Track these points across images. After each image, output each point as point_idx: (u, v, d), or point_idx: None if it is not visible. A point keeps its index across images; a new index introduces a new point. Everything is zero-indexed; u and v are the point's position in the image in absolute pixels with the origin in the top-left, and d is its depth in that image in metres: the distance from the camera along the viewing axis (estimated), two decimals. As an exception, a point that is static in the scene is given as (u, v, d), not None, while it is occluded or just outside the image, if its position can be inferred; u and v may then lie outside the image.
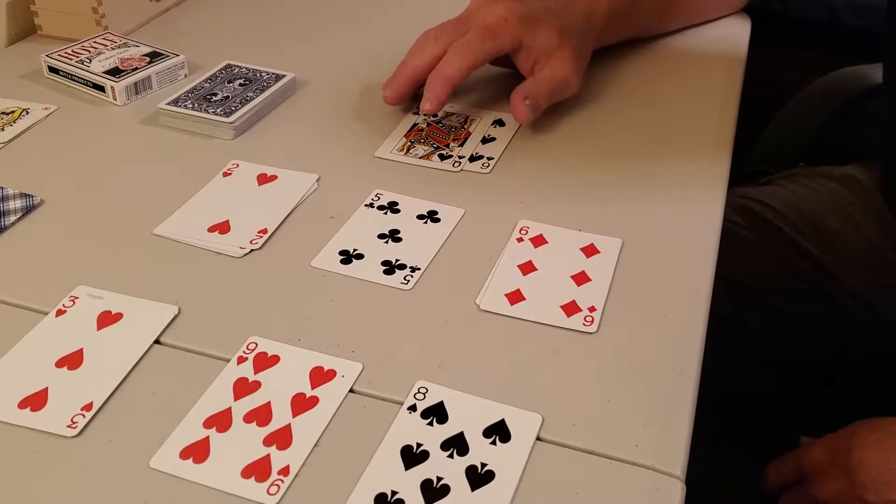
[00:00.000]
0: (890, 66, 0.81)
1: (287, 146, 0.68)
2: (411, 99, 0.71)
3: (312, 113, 0.73)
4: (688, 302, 0.53)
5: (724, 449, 0.79)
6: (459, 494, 0.41)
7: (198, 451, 0.43)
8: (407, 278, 0.54)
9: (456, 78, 0.67)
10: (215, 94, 0.71)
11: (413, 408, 0.45)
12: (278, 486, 0.41)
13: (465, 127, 0.70)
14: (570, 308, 0.52)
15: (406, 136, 0.68)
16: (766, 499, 0.76)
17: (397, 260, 0.55)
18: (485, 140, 0.68)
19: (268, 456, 0.42)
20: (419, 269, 0.55)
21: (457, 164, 0.65)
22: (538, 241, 0.57)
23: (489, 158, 0.66)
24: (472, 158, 0.66)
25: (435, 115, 0.71)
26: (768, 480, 0.76)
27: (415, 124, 0.70)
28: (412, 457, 0.42)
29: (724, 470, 0.78)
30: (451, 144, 0.67)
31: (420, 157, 0.66)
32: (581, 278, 0.54)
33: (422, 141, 0.68)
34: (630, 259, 0.56)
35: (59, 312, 0.51)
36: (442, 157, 0.66)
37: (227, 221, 0.58)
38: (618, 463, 0.43)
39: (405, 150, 0.66)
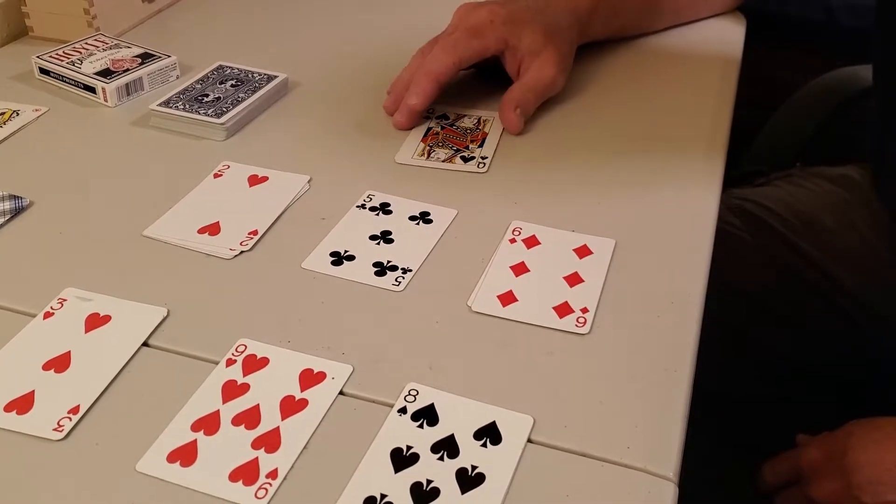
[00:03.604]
0: (879, 66, 0.81)
1: (278, 147, 0.67)
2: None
3: (304, 114, 0.72)
4: (681, 303, 0.52)
5: (719, 451, 0.79)
6: (450, 497, 0.40)
7: (185, 455, 0.42)
8: (398, 280, 0.54)
9: (440, 73, 0.68)
10: (207, 95, 0.70)
11: (403, 410, 0.45)
12: (266, 489, 0.41)
13: (481, 128, 0.70)
14: (563, 309, 0.51)
15: (423, 140, 0.68)
16: (763, 499, 0.75)
17: (389, 261, 0.55)
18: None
19: (256, 459, 0.42)
20: (411, 270, 0.54)
21: (482, 165, 0.65)
22: (531, 241, 0.57)
23: (483, 157, 0.66)
24: (468, 159, 0.66)
25: (447, 118, 0.71)
26: (764, 480, 0.75)
27: (429, 128, 0.70)
28: (402, 459, 0.42)
29: (721, 470, 0.78)
30: (471, 146, 0.67)
31: (443, 161, 0.66)
32: (574, 279, 0.54)
33: (440, 144, 0.67)
34: (623, 260, 0.56)
35: (47, 315, 0.50)
36: (465, 160, 0.66)
37: (218, 223, 0.58)
38: (610, 465, 0.42)
39: (426, 155, 0.66)
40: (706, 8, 0.88)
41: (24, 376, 0.46)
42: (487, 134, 0.69)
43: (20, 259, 0.55)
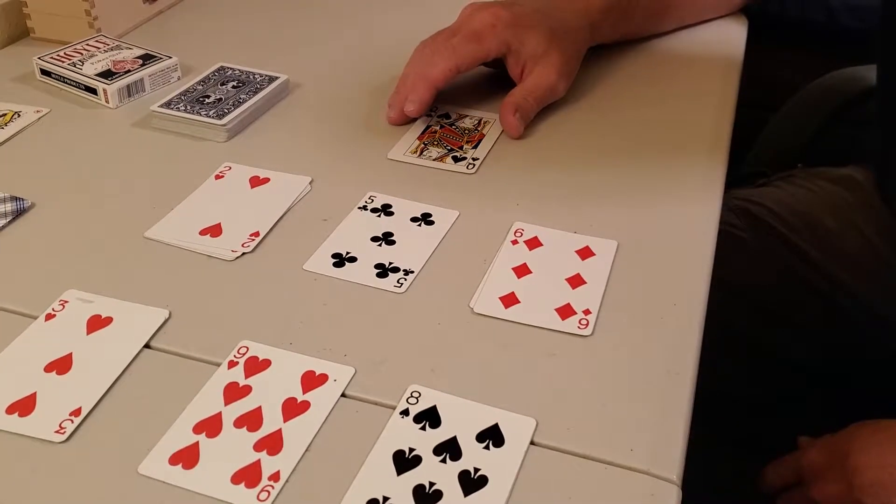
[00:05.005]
0: (883, 66, 0.81)
1: (280, 148, 0.67)
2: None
3: (306, 115, 0.72)
4: (684, 304, 0.52)
5: (722, 452, 0.79)
6: (452, 500, 0.40)
7: (187, 457, 0.42)
8: (400, 281, 0.53)
9: (438, 79, 0.68)
10: (208, 97, 0.70)
11: (406, 412, 0.44)
12: (268, 492, 0.40)
13: (479, 129, 0.70)
14: (565, 311, 0.51)
15: (419, 138, 0.68)
16: (765, 501, 0.75)
17: (391, 263, 0.55)
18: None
19: (258, 461, 0.42)
20: (413, 272, 0.54)
21: (471, 167, 0.65)
22: (533, 243, 0.57)
23: (474, 159, 0.66)
24: (459, 159, 0.66)
25: (448, 117, 0.71)
26: (766, 482, 0.75)
27: (428, 126, 0.70)
28: (404, 462, 0.42)
29: (723, 472, 0.78)
30: (465, 146, 0.67)
31: (434, 160, 0.66)
32: (576, 281, 0.54)
33: (435, 143, 0.67)
34: (626, 261, 0.56)
35: (49, 317, 0.50)
36: (455, 160, 0.66)
37: (219, 224, 0.58)
38: (613, 467, 0.42)
39: (419, 153, 0.66)
40: (710, 10, 0.88)
41: (26, 378, 0.46)
42: (485, 136, 0.69)
43: (22, 261, 0.55)
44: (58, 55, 0.75)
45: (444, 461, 0.42)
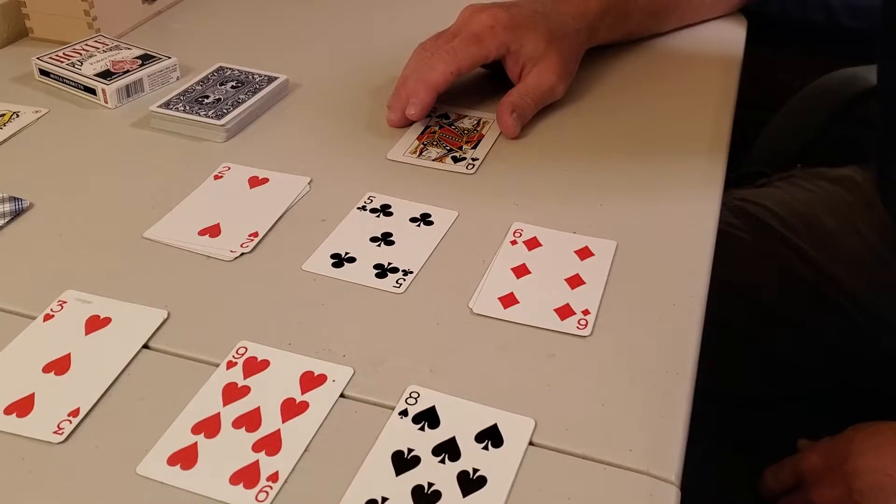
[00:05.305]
0: (883, 67, 0.81)
1: (279, 149, 0.67)
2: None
3: (305, 115, 0.72)
4: (683, 304, 0.52)
5: (721, 453, 0.79)
6: (451, 500, 0.40)
7: (186, 458, 0.42)
8: (399, 282, 0.53)
9: (439, 83, 0.68)
10: (207, 97, 0.70)
11: (404, 413, 0.44)
12: (267, 492, 0.40)
13: (478, 129, 0.70)
14: (564, 311, 0.51)
15: (419, 138, 0.68)
16: (764, 503, 0.75)
17: (390, 263, 0.55)
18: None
19: (256, 462, 0.42)
20: (412, 272, 0.54)
21: (470, 167, 0.65)
22: (532, 243, 0.57)
23: (474, 159, 0.66)
24: (458, 159, 0.66)
25: (447, 118, 0.71)
26: (766, 485, 0.75)
27: (427, 127, 0.70)
28: (403, 462, 0.42)
29: (722, 474, 0.78)
30: (465, 147, 0.67)
31: (433, 160, 0.66)
32: (575, 281, 0.53)
33: (434, 143, 0.67)
34: (625, 261, 0.55)
35: (47, 317, 0.50)
36: (455, 160, 0.66)
37: (218, 224, 0.58)
38: (612, 468, 0.42)
39: (418, 153, 0.66)
40: (709, 11, 0.88)
41: (24, 379, 0.46)
42: (484, 136, 0.69)
43: (20, 261, 0.55)
44: (57, 55, 0.75)
45: (442, 462, 0.42)
